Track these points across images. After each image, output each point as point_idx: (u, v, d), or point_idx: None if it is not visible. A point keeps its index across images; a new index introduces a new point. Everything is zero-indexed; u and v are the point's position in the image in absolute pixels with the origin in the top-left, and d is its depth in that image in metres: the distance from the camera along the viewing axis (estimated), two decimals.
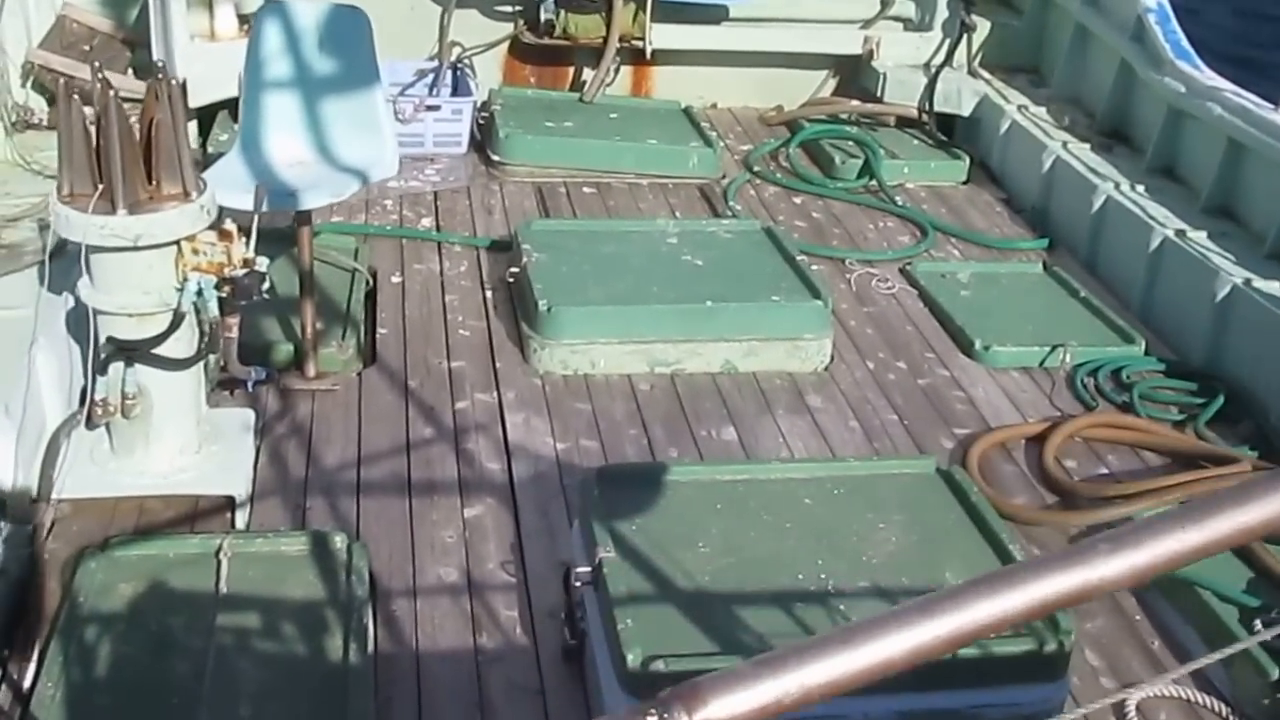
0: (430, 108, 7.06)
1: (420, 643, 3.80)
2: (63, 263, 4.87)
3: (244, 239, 3.87)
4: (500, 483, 4.52)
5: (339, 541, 3.97)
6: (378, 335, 5.38)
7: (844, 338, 5.59)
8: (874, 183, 7.18)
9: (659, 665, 3.30)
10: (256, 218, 3.98)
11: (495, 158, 7.05)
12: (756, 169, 7.31)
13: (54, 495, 4.06)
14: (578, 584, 3.71)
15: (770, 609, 3.57)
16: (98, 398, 3.98)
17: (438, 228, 6.37)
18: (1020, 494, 4.65)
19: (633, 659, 3.32)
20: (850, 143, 7.50)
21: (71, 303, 4.57)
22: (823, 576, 3.70)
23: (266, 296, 3.95)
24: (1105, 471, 4.85)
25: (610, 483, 3.99)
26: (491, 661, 3.76)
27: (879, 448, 4.88)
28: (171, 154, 3.81)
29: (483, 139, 7.23)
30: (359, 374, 5.11)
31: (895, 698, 3.40)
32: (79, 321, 4.63)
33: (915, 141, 7.75)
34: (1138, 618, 4.10)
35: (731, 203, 6.78)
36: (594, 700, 3.57)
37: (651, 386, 5.16)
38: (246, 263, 3.88)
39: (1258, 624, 3.90)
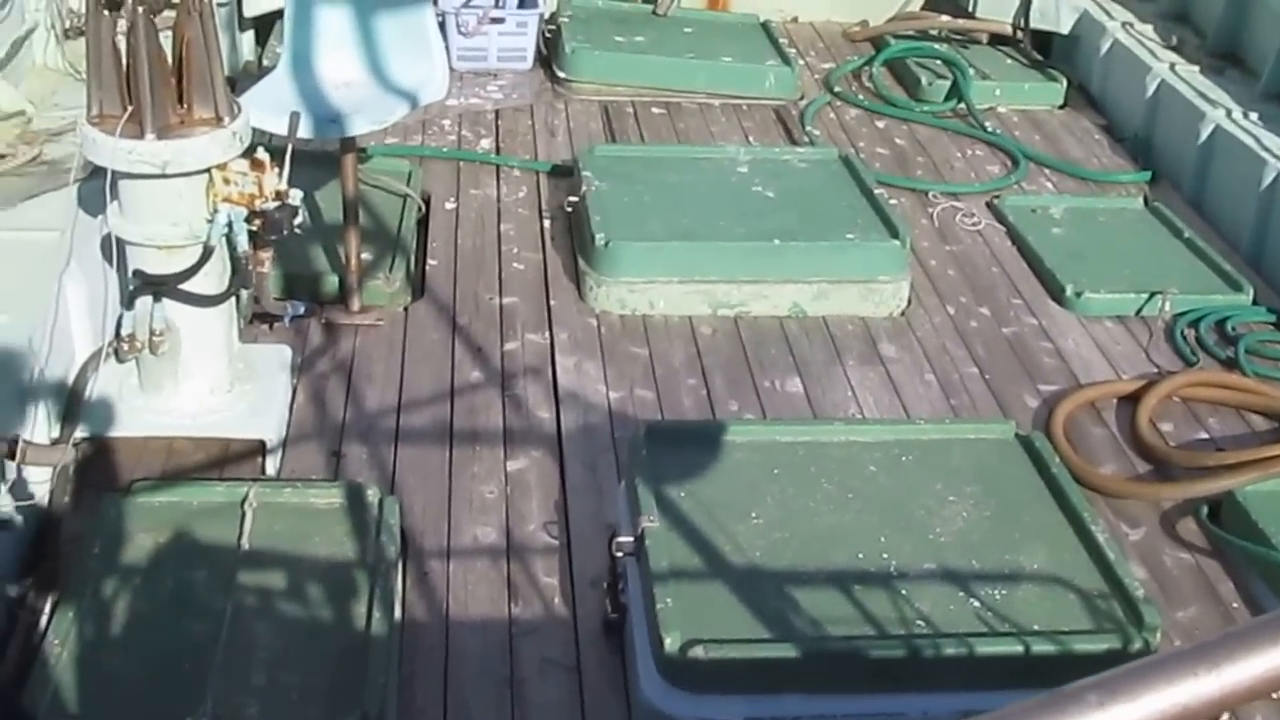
0: (494, 20, 6.71)
1: (451, 610, 3.58)
2: (99, 184, 4.66)
3: (278, 169, 3.60)
4: (547, 433, 4.26)
5: (371, 495, 3.73)
6: (427, 267, 5.12)
7: (923, 279, 5.23)
8: (962, 106, 6.74)
9: (699, 651, 3.05)
10: (290, 146, 3.70)
11: (561, 74, 6.71)
12: (837, 90, 6.90)
13: (78, 433, 3.85)
14: (619, 554, 3.45)
15: (825, 591, 3.30)
16: (124, 333, 3.77)
17: (497, 150, 6.06)
18: (1109, 461, 4.29)
19: (670, 643, 3.07)
20: (938, 62, 7.04)
21: (106, 228, 4.36)
22: (885, 556, 3.41)
23: (299, 232, 3.69)
24: (1205, 437, 4.45)
25: (660, 441, 3.72)
26: (526, 634, 3.52)
27: (956, 405, 4.53)
28: (204, 75, 3.54)
29: (549, 54, 6.89)
30: (406, 308, 4.86)
31: (959, 696, 3.12)
32: (115, 248, 4.43)
33: (1009, 61, 7.29)
34: (1235, 605, 3.75)
35: (809, 127, 6.39)
36: (631, 683, 3.33)
37: (713, 330, 4.85)
38: (279, 195, 3.61)
39: None
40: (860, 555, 3.40)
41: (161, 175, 3.55)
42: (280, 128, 4.03)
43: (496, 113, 6.40)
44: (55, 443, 3.80)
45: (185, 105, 3.60)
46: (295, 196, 3.64)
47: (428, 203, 5.52)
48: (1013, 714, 1.11)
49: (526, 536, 3.85)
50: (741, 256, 4.94)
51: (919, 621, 3.20)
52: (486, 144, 6.11)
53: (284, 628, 3.32)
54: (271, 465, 3.99)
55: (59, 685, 3.08)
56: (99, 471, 3.89)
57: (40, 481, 3.70)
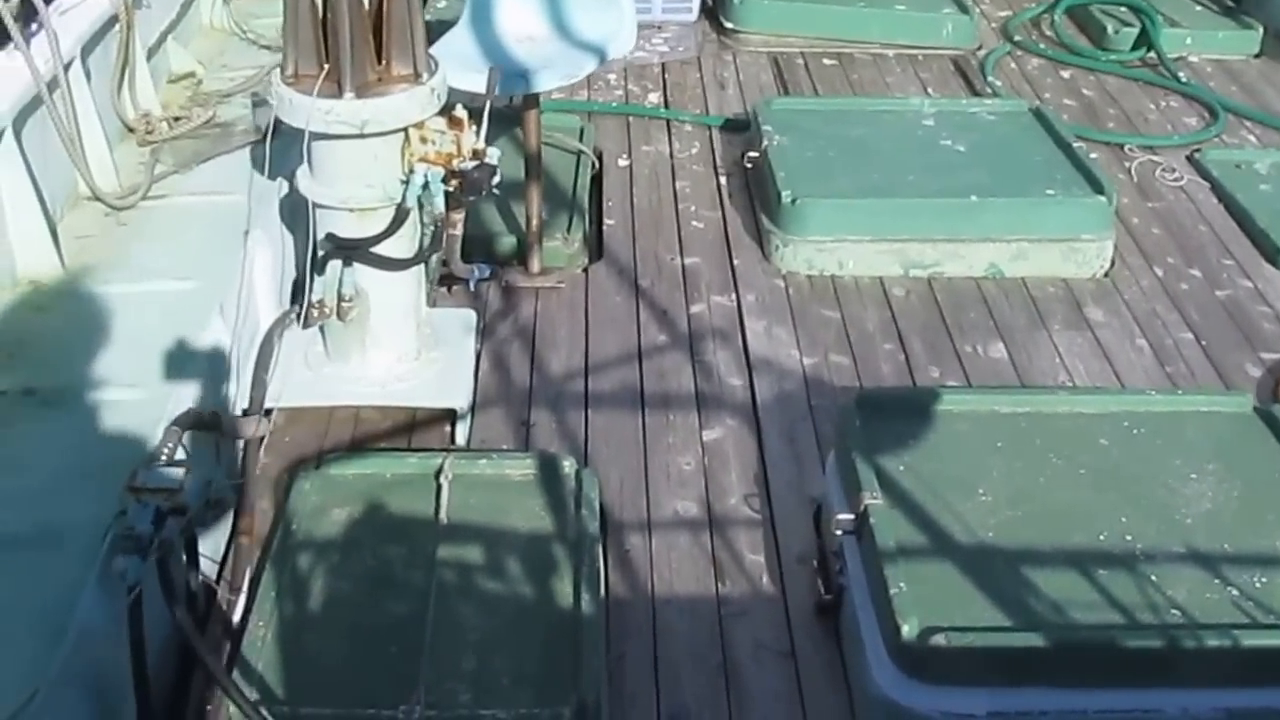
0: None
1: (656, 588, 3.41)
2: (278, 144, 4.55)
3: (474, 127, 3.44)
4: (741, 401, 4.07)
5: (567, 467, 3.58)
6: (604, 226, 4.94)
7: (1126, 239, 4.92)
8: (1152, 55, 6.37)
9: (940, 640, 2.83)
10: (489, 104, 3.54)
11: (728, 25, 6.48)
12: (1017, 39, 6.57)
13: (266, 404, 3.74)
14: (838, 532, 3.25)
15: (1066, 574, 3.05)
16: (313, 299, 3.65)
17: (666, 104, 5.86)
18: None
19: (908, 630, 2.85)
20: (1123, 9, 6.64)
21: (285, 188, 4.25)
22: (1128, 538, 3.15)
23: (496, 192, 3.53)
24: None
25: (873, 410, 3.50)
26: (736, 616, 3.34)
27: (1171, 373, 4.24)
28: (404, 29, 3.39)
29: (714, 4, 6.66)
30: (585, 270, 4.69)
31: (1222, 693, 2.87)
32: (293, 210, 4.32)
33: (1198, 7, 6.88)
34: None
35: (990, 78, 6.08)
36: (853, 670, 3.13)
37: (907, 292, 4.60)
38: (476, 154, 3.45)
39: None
40: (1101, 536, 3.15)
41: (359, 135, 3.40)
42: (466, 84, 3.87)
43: (663, 66, 6.20)
44: (246, 414, 3.70)
45: (383, 62, 3.44)
46: (493, 155, 3.48)
47: (600, 159, 5.34)
48: None
49: (728, 510, 3.67)
50: (936, 214, 4.68)
51: (1173, 610, 2.95)
52: (655, 98, 5.91)
53: (490, 608, 3.18)
54: (461, 434, 3.86)
55: (266, 669, 2.98)
56: (288, 445, 3.80)
57: (228, 453, 3.60)
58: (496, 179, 3.49)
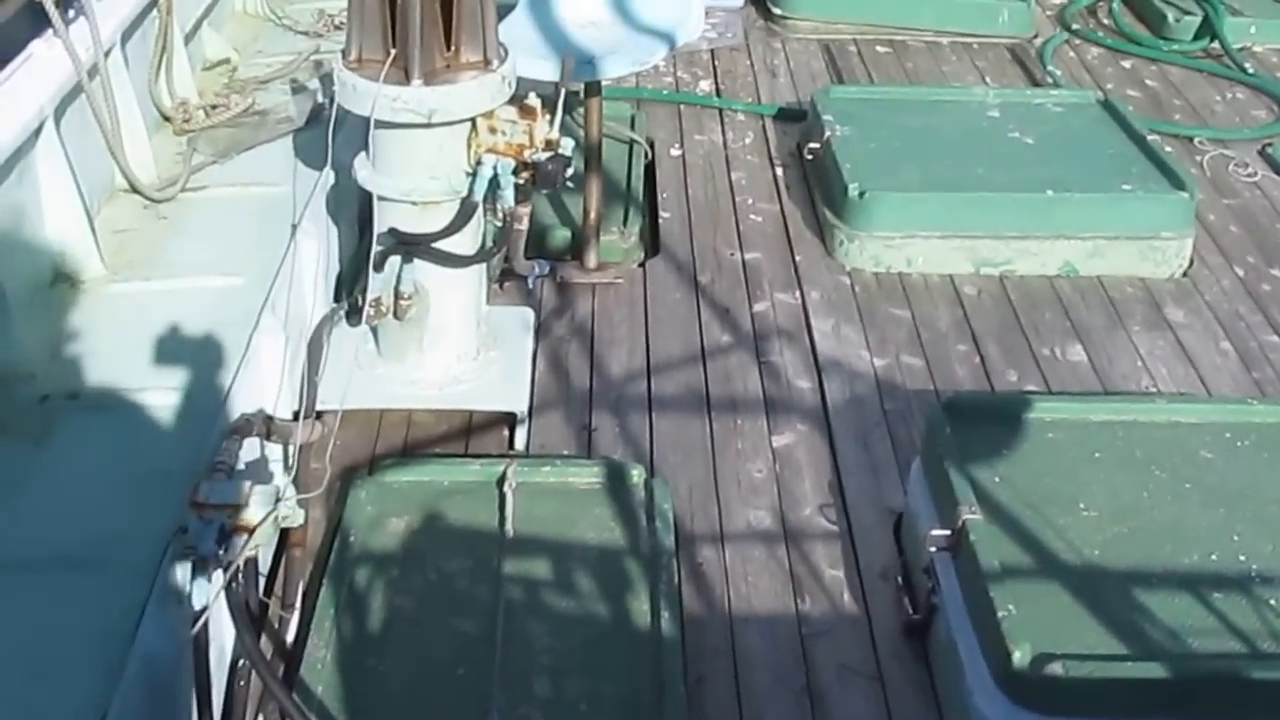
0: None
1: (733, 605, 3.23)
2: (318, 131, 4.36)
3: (547, 116, 3.24)
4: (811, 405, 3.88)
5: (636, 475, 3.40)
6: (660, 219, 4.75)
7: (1204, 236, 4.72)
8: (1215, 45, 6.15)
9: (1055, 668, 2.65)
10: (564, 92, 3.34)
11: (776, 11, 6.28)
12: (1075, 27, 6.35)
13: (318, 406, 3.55)
14: (932, 548, 3.06)
15: (1180, 597, 2.87)
16: (370, 296, 3.45)
17: (717, 92, 5.67)
18: None
19: (1020, 657, 2.67)
20: None
21: (331, 178, 4.06)
22: (1242, 559, 2.97)
23: (571, 185, 3.34)
24: None
25: (962, 417, 3.30)
26: (818, 635, 3.16)
27: (1259, 379, 4.05)
28: (475, 12, 3.19)
29: None
30: (642, 265, 4.50)
31: None
32: (339, 201, 4.13)
33: None
34: None
35: (1050, 67, 5.86)
36: (949, 696, 2.95)
37: (979, 291, 4.41)
38: (549, 144, 3.26)
39: None
40: (1213, 556, 2.97)
41: (426, 125, 3.21)
42: (531, 71, 3.68)
43: (712, 53, 5.99)
44: (296, 416, 3.51)
45: (453, 48, 3.24)
46: (567, 146, 3.29)
47: (651, 148, 5.14)
48: None
49: (803, 521, 3.48)
50: (1009, 209, 4.48)
51: None
52: (705, 85, 5.72)
53: (562, 627, 3.00)
54: (520, 438, 3.67)
55: (327, 694, 2.80)
56: (338, 450, 3.60)
57: (277, 458, 3.40)
58: (570, 171, 3.30)
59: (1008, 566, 2.89)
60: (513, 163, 3.24)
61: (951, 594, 3.00)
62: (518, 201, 3.38)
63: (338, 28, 5.24)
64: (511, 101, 3.27)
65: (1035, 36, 6.23)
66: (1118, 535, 3.03)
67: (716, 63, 5.93)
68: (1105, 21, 6.48)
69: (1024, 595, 2.82)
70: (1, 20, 3.52)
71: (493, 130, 3.23)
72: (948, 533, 3.04)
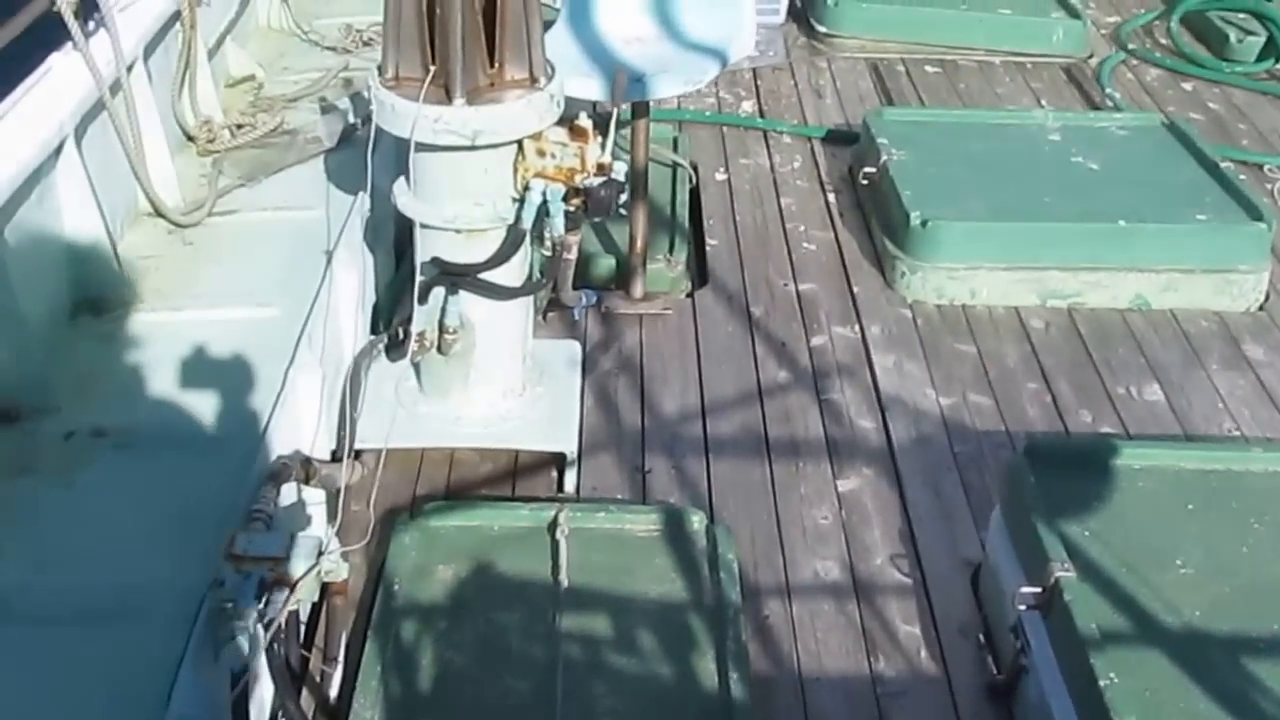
0: None
1: (803, 663, 3.01)
2: (348, 153, 4.16)
3: (600, 138, 3.04)
4: (876, 446, 3.66)
5: (696, 522, 3.19)
6: (707, 247, 4.54)
7: (1278, 269, 4.49)
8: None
9: None
10: (616, 113, 3.14)
11: (820, 29, 6.08)
12: (1131, 47, 6.14)
13: (357, 445, 3.33)
14: (1021, 607, 2.84)
15: None
16: (414, 330, 3.24)
17: (761, 113, 5.46)
18: None
19: None
20: (1245, 15, 6.20)
21: (366, 204, 3.85)
22: None
23: (624, 211, 3.12)
24: None
25: (1044, 464, 3.08)
26: (895, 696, 2.94)
27: None
28: (519, 27, 2.98)
29: (804, 6, 6.25)
30: (690, 295, 4.29)
31: None
32: (376, 226, 3.93)
33: None
34: None
35: (1109, 89, 5.65)
36: None
37: (1047, 325, 4.19)
38: (601, 168, 3.05)
39: None
40: None
41: (470, 147, 3.00)
42: (578, 90, 3.48)
43: (754, 72, 5.79)
44: (334, 456, 3.31)
45: (496, 65, 3.04)
46: (619, 170, 3.08)
47: (696, 171, 4.94)
48: None
49: (873, 572, 3.26)
50: (1079, 239, 4.26)
51: None
52: (748, 106, 5.52)
53: (626, 687, 2.79)
54: (570, 480, 3.46)
55: None
56: (378, 491, 3.39)
57: (317, 503, 3.19)
58: (624, 197, 3.09)
59: (1105, 629, 2.67)
60: (563, 188, 3.03)
61: (1043, 656, 2.77)
62: (568, 229, 3.17)
63: (366, 44, 5.05)
64: (560, 122, 3.07)
65: (1090, 56, 6.03)
66: (1220, 595, 2.80)
67: (759, 82, 5.73)
68: (1163, 41, 6.27)
69: (1125, 662, 2.60)
70: (18, 31, 3.31)
71: (541, 153, 3.02)
72: (1038, 590, 2.81)
